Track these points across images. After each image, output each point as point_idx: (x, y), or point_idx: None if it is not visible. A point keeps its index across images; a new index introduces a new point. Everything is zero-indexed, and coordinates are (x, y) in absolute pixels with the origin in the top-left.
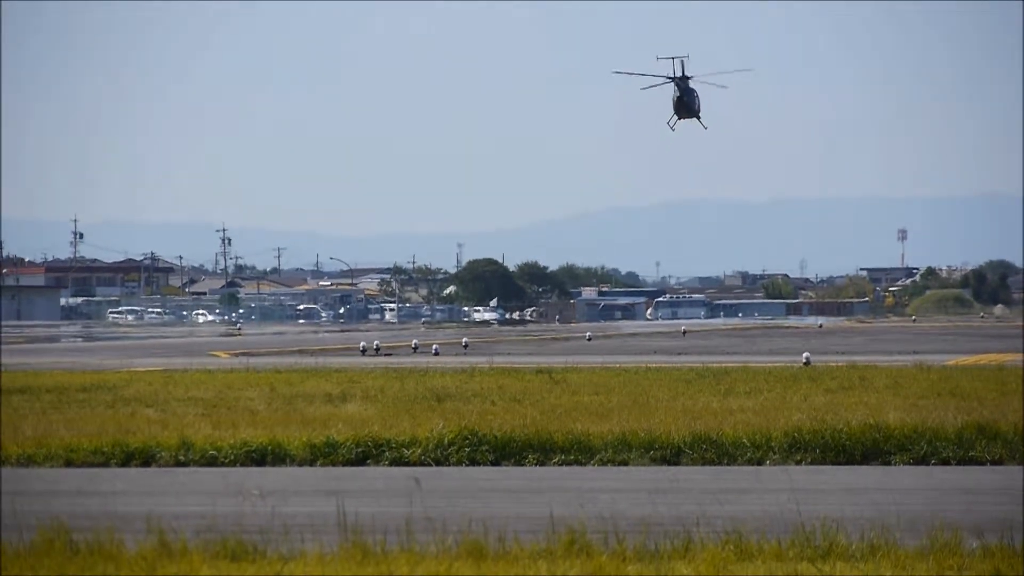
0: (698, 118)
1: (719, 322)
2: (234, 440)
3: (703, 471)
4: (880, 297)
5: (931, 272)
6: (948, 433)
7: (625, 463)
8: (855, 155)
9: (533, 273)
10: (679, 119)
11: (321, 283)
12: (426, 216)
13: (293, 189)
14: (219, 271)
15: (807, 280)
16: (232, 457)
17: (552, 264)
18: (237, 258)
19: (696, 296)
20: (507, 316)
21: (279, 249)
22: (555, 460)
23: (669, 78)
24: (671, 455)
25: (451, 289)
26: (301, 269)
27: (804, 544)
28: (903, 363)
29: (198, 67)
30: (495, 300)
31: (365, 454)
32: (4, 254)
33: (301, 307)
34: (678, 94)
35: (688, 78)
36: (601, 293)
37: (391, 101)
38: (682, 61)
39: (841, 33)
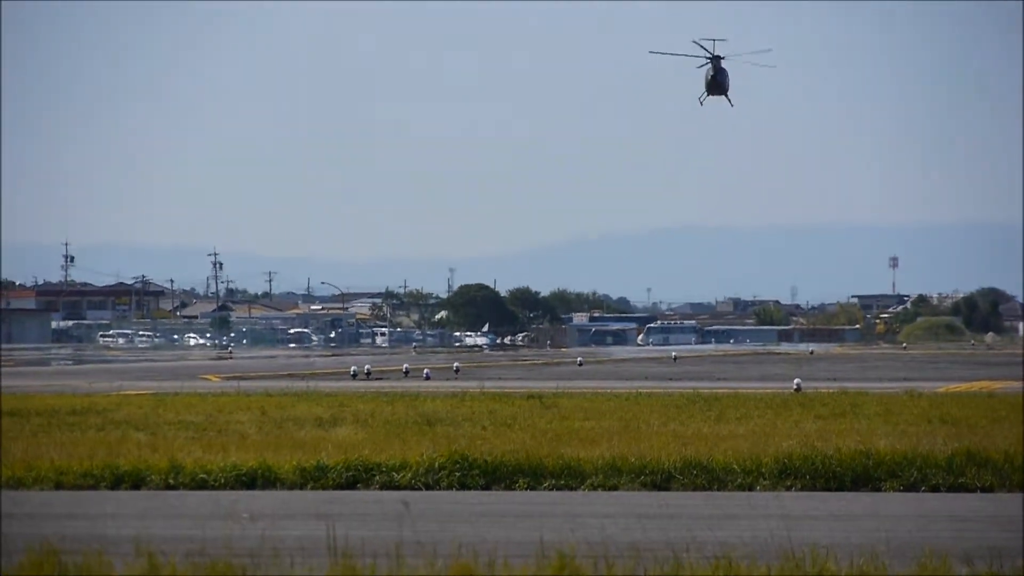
0: (727, 96)
1: (710, 348)
2: (224, 463)
3: (693, 496)
4: (871, 324)
5: (922, 299)
6: (938, 460)
7: (615, 488)
8: (847, 182)
9: (525, 298)
10: (709, 95)
11: (312, 307)
12: (418, 241)
13: (285, 213)
14: (210, 295)
15: (798, 307)
16: (222, 480)
17: (544, 289)
18: (228, 282)
19: (687, 322)
20: (498, 341)
21: (270, 273)
22: (545, 485)
23: (706, 58)
24: (662, 480)
25: (442, 314)
26: (292, 293)
27: (794, 570)
28: (894, 390)
29: (189, 91)
30: (486, 325)
31: (355, 478)
32: None
33: (292, 331)
34: (712, 73)
35: (721, 58)
36: (592, 319)
37: (382, 125)
38: (716, 42)
39: (831, 62)
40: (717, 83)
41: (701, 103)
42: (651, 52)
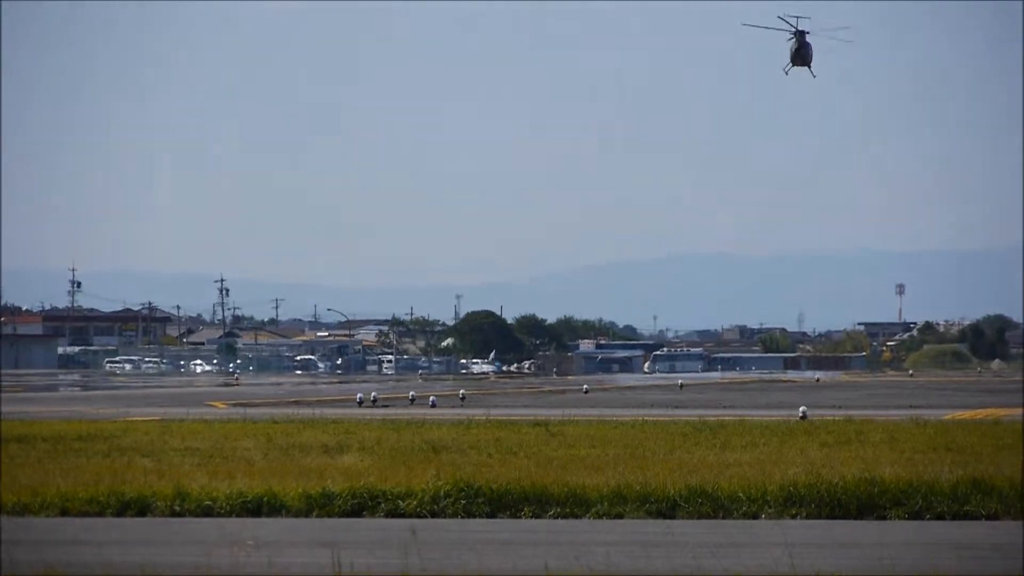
0: (809, 68)
1: (716, 375)
2: (230, 490)
3: (698, 524)
4: (877, 351)
5: (929, 326)
6: (943, 488)
7: (620, 516)
8: (853, 209)
9: (531, 325)
10: (793, 66)
11: (319, 334)
12: (425, 268)
13: (291, 240)
14: (217, 321)
15: (805, 334)
16: (227, 507)
17: (550, 316)
18: (235, 308)
19: (694, 349)
20: (504, 368)
21: (277, 300)
22: (551, 513)
23: (791, 31)
24: (667, 508)
25: (449, 341)
26: (299, 320)
27: None
28: (899, 417)
29: (198, 119)
30: (493, 352)
31: (361, 505)
32: (2, 302)
33: (299, 358)
34: (796, 46)
35: (805, 32)
36: (599, 346)
37: (391, 153)
38: (799, 19)
39: (838, 90)
40: (801, 55)
41: (786, 73)
42: (744, 24)
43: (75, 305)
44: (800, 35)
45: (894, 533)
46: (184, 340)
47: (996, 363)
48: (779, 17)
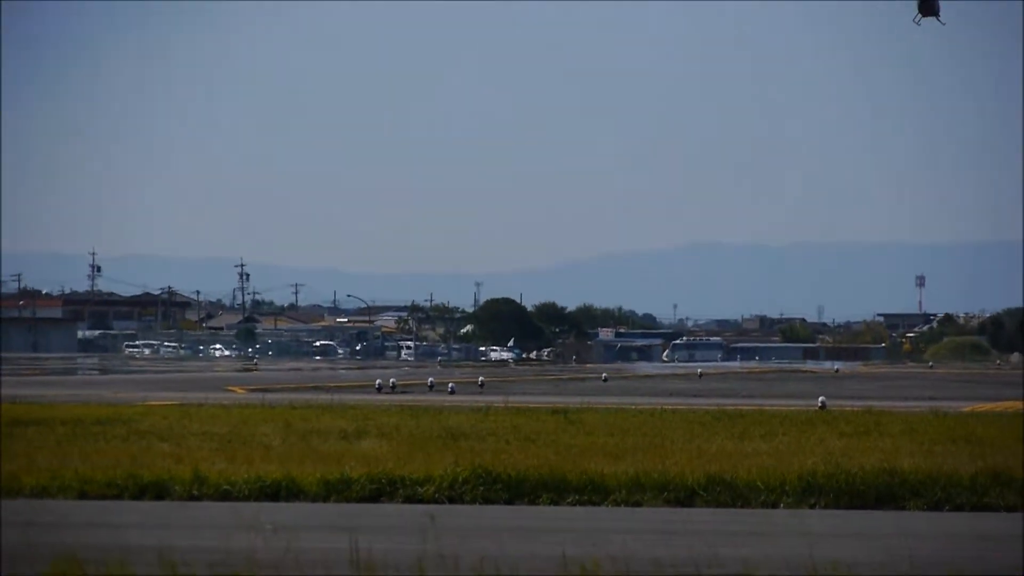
0: (937, 17)
1: (736, 365)
2: (248, 475)
3: (717, 513)
4: (897, 343)
5: (948, 319)
6: (962, 479)
7: (639, 504)
8: (874, 200)
9: (550, 313)
10: (923, 17)
11: (338, 320)
12: (445, 255)
13: (312, 225)
14: (236, 306)
15: (824, 324)
16: (246, 492)
17: (570, 305)
18: (255, 293)
19: (713, 339)
20: (524, 356)
21: (297, 285)
22: (569, 500)
23: None
24: (685, 497)
25: (468, 328)
26: (319, 305)
27: None
28: (919, 409)
29: (218, 103)
30: (512, 340)
31: (379, 491)
32: (22, 286)
33: (318, 343)
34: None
35: None
36: (618, 334)
37: (410, 138)
38: None
39: (858, 80)
40: (928, 4)
41: (917, 24)
42: None
43: (95, 289)
44: None
45: (913, 524)
46: (203, 325)
47: (1016, 356)
48: None
